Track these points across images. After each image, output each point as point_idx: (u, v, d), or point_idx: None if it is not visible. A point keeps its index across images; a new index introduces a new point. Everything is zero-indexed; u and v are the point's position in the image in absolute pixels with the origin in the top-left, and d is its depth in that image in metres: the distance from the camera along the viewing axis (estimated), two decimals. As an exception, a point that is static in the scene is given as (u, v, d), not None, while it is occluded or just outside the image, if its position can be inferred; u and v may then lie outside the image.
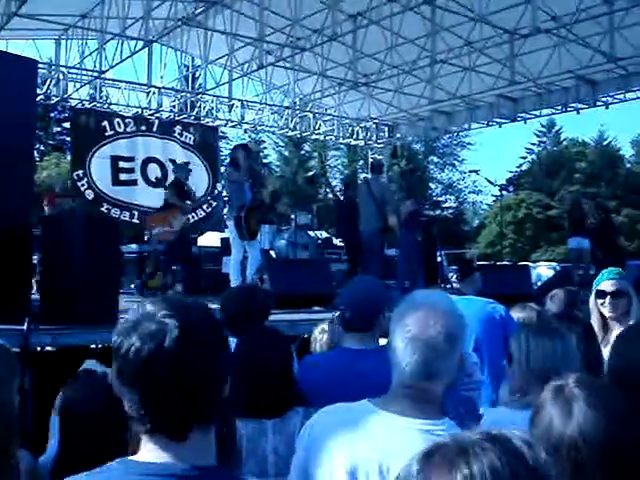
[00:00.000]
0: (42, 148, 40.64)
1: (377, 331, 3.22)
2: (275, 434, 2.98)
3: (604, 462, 1.64)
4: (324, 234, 20.01)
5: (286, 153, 49.36)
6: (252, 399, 2.99)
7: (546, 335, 2.82)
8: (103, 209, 16.63)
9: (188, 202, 11.78)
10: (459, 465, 1.04)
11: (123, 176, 17.37)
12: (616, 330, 4.18)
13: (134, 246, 13.89)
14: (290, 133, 23.76)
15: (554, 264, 25.28)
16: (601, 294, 4.36)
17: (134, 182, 17.42)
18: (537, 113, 19.92)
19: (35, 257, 8.04)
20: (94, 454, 1.64)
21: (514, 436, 1.12)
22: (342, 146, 40.76)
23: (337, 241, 19.55)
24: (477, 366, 3.57)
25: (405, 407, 2.12)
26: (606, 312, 4.31)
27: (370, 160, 19.47)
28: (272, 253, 13.15)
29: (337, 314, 3.60)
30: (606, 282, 4.38)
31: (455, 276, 12.86)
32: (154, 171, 17.73)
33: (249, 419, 2.93)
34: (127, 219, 16.43)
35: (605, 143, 53.94)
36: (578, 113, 18.68)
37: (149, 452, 1.53)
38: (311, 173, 46.86)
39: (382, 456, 2.05)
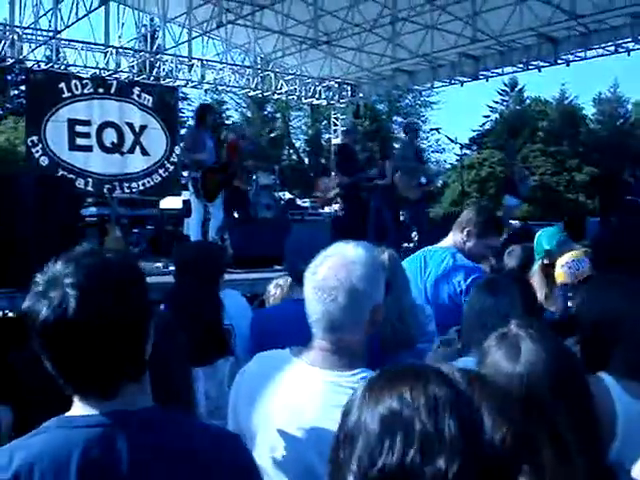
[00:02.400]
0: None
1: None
2: (206, 380, 3.23)
3: (551, 394, 1.71)
4: (287, 195, 19.96)
5: (249, 114, 48.99)
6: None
7: (486, 291, 2.88)
8: (58, 175, 16.35)
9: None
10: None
11: (79, 141, 17.02)
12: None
13: (94, 209, 13.72)
14: (252, 93, 23.53)
15: (515, 221, 25.52)
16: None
17: (89, 148, 17.08)
18: (499, 71, 19.87)
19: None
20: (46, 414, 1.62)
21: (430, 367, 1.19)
22: (305, 106, 40.50)
23: (300, 202, 19.56)
24: (430, 318, 3.58)
25: (315, 358, 2.15)
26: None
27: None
28: (234, 213, 13.07)
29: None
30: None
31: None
32: (110, 136, 17.42)
33: None
34: (82, 186, 16.14)
35: (567, 102, 54.29)
36: (540, 71, 18.70)
37: (81, 406, 1.55)
38: (274, 134, 46.59)
39: (288, 404, 2.11)
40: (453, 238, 4.43)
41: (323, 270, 2.11)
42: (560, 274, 4.35)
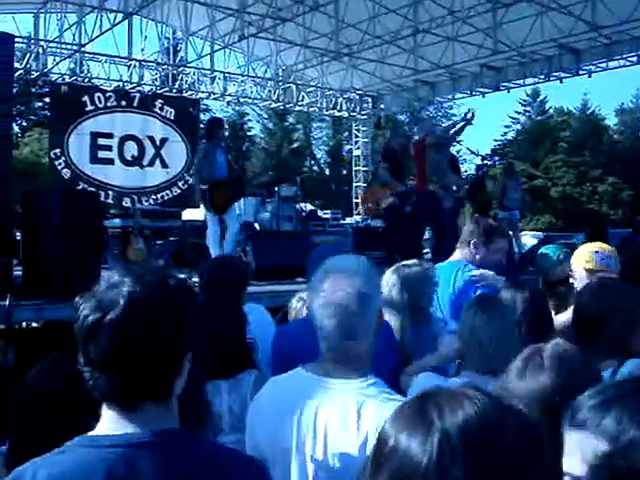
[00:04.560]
0: (24, 124, 40.32)
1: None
2: (230, 394, 3.26)
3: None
4: (309, 206, 19.99)
5: (270, 125, 49.13)
6: (207, 360, 3.18)
7: (481, 310, 2.94)
8: (79, 188, 16.51)
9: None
10: (464, 405, 1.09)
11: (101, 153, 17.27)
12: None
13: (117, 221, 13.81)
14: (273, 105, 23.64)
15: (539, 233, 25.39)
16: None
17: (111, 161, 17.33)
18: (520, 82, 19.87)
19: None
20: (52, 437, 1.64)
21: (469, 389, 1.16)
22: (326, 118, 40.58)
23: (321, 213, 19.55)
24: (444, 326, 3.65)
25: (330, 369, 2.21)
26: None
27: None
28: (256, 225, 13.14)
29: None
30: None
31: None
32: (131, 149, 17.64)
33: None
34: (102, 199, 16.33)
35: (589, 112, 53.99)
36: (561, 82, 18.69)
37: (105, 423, 1.58)
38: (295, 145, 46.71)
39: (309, 420, 2.16)
40: (460, 253, 4.51)
41: (327, 285, 2.19)
42: (588, 258, 4.20)
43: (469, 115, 11.85)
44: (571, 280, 4.27)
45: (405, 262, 3.95)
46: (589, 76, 18.00)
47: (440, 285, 4.14)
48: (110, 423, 1.56)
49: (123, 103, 17.77)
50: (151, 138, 17.82)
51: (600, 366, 2.46)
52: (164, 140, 18.07)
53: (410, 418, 1.12)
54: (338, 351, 2.19)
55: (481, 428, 1.07)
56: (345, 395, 2.13)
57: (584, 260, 4.22)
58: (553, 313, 4.28)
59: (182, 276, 1.67)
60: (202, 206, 10.22)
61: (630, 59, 17.30)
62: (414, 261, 4.01)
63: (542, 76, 18.94)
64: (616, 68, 17.91)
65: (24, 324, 7.42)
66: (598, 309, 2.79)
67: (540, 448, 1.13)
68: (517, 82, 19.76)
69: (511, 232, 14.58)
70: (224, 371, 3.25)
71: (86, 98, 17.21)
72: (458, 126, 12.22)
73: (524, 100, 54.02)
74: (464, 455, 1.04)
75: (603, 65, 17.83)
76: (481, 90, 20.31)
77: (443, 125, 10.70)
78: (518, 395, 1.77)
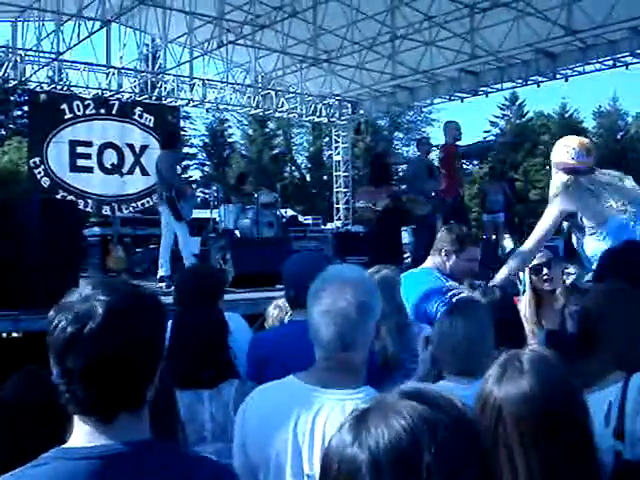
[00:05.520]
0: (3, 132, 40.11)
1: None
2: (211, 403, 3.25)
3: (520, 427, 1.74)
4: (290, 212, 20.01)
5: (250, 132, 49.16)
6: (189, 371, 3.24)
7: (453, 315, 2.94)
8: (58, 197, 16.46)
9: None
10: (394, 421, 1.08)
11: (80, 162, 17.27)
12: (550, 302, 4.41)
13: (97, 229, 13.79)
14: (253, 111, 23.63)
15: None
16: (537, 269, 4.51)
17: (90, 170, 17.35)
18: (498, 87, 19.91)
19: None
20: (27, 451, 1.64)
21: (429, 390, 1.18)
22: (306, 123, 40.64)
23: (302, 218, 19.57)
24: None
25: (325, 379, 2.18)
26: (544, 286, 4.45)
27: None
28: (237, 232, 13.13)
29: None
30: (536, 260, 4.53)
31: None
32: (110, 157, 17.63)
33: (186, 390, 3.15)
34: (81, 207, 16.28)
35: (567, 115, 54.39)
36: (538, 86, 18.82)
37: (79, 435, 1.57)
38: (276, 151, 46.76)
39: (304, 429, 2.12)
40: (432, 261, 4.48)
41: (328, 293, 2.17)
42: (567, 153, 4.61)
43: (507, 137, 12.01)
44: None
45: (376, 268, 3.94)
46: (566, 80, 18.11)
47: (410, 290, 4.14)
48: (84, 435, 1.56)
49: (102, 111, 17.75)
50: (130, 146, 17.80)
51: (606, 379, 2.46)
52: (144, 147, 18.05)
53: (346, 433, 1.13)
54: (335, 360, 2.17)
55: (406, 445, 1.07)
56: (342, 406, 2.08)
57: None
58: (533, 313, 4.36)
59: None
60: (163, 215, 10.16)
61: (606, 63, 17.41)
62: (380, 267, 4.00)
63: (520, 80, 19.04)
64: (592, 72, 18.05)
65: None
66: (602, 317, 2.70)
67: (475, 455, 1.13)
68: (495, 86, 19.82)
69: (494, 235, 14.77)
70: (205, 380, 3.26)
71: (65, 106, 17.18)
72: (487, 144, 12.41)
73: (503, 104, 54.39)
74: (392, 472, 1.06)
75: (580, 69, 17.94)
76: (460, 95, 20.40)
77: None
78: (498, 400, 1.78)
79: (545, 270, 4.46)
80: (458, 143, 11.06)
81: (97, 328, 1.50)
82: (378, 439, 1.07)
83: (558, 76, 18.09)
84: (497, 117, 55.53)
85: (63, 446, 1.57)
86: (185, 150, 37.20)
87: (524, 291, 4.66)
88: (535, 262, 4.50)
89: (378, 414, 1.11)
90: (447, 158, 11.08)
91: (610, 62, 17.30)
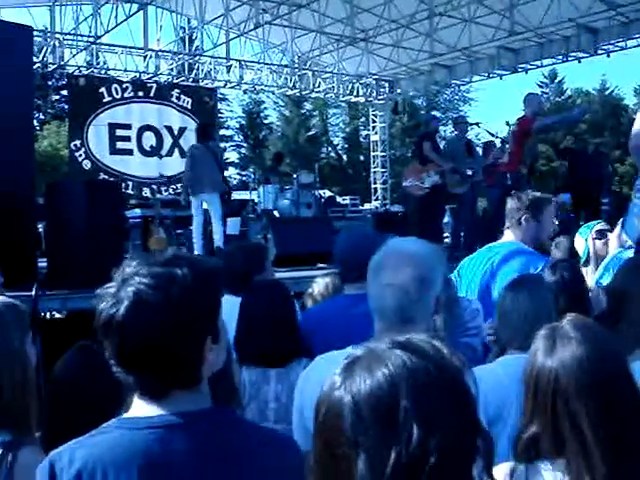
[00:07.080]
0: (42, 117, 40.47)
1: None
2: (278, 383, 3.18)
3: (577, 393, 1.75)
4: (327, 193, 19.99)
5: (287, 113, 49.05)
6: (257, 349, 3.20)
7: (515, 290, 2.89)
8: (104, 180, 16.64)
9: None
10: (377, 369, 1.15)
11: (120, 144, 17.42)
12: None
13: (138, 211, 13.89)
14: (290, 92, 23.65)
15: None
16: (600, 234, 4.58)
17: (130, 152, 17.51)
18: (538, 63, 19.69)
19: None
20: (81, 424, 1.66)
21: (420, 340, 1.25)
22: (343, 104, 40.46)
23: (340, 199, 19.53)
24: (478, 312, 3.58)
25: None
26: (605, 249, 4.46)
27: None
28: (275, 213, 13.15)
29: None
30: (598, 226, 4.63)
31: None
32: (149, 139, 17.76)
33: (254, 367, 3.16)
34: (122, 189, 16.45)
35: (607, 92, 53.49)
36: (579, 62, 18.50)
37: (138, 407, 1.59)
38: (312, 132, 46.63)
39: None
40: (512, 234, 4.22)
41: (390, 266, 2.16)
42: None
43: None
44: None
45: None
46: (608, 56, 17.78)
47: (494, 266, 4.06)
48: (144, 406, 1.58)
49: (140, 94, 17.85)
50: (169, 128, 17.90)
51: (631, 357, 2.45)
52: (182, 129, 18.12)
53: (337, 376, 1.21)
54: (395, 333, 2.15)
55: (385, 391, 1.13)
56: None
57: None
58: None
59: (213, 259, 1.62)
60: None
61: (649, 38, 17.11)
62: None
63: (560, 57, 18.76)
64: (635, 47, 17.70)
65: (48, 315, 7.52)
66: (625, 295, 2.73)
67: (456, 403, 1.17)
68: (535, 63, 19.58)
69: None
70: (274, 359, 3.21)
71: (103, 90, 17.30)
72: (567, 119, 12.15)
73: (542, 82, 53.64)
74: (372, 422, 1.11)
75: (621, 44, 17.61)
76: (498, 72, 20.15)
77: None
78: (554, 371, 1.79)
79: (609, 235, 4.45)
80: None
81: (123, 316, 1.51)
82: (360, 385, 1.14)
83: (599, 52, 17.77)
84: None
85: (124, 415, 1.60)
86: (221, 132, 37.18)
87: (585, 261, 4.62)
88: (598, 227, 4.49)
89: (365, 361, 1.18)
90: (518, 132, 10.77)
91: (653, 37, 16.97)
